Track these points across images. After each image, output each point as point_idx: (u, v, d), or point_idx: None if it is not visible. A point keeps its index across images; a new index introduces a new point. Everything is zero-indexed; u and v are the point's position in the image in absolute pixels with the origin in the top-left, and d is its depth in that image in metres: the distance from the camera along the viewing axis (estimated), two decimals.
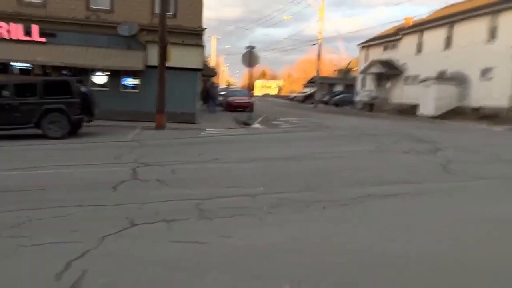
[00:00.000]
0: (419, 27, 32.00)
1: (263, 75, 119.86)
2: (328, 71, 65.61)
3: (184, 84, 18.57)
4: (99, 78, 18.43)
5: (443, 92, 27.17)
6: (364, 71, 37.79)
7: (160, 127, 15.92)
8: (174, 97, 18.30)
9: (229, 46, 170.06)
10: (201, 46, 18.59)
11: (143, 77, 18.30)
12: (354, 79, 58.58)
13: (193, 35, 18.51)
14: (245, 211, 5.27)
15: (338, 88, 55.38)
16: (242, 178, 7.51)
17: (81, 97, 13.05)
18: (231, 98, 27.41)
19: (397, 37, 34.41)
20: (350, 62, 64.80)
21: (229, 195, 6.01)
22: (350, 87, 55.89)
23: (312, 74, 71.57)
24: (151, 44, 17.53)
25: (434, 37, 29.85)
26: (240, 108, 26.48)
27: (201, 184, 6.86)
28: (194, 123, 18.74)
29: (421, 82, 28.69)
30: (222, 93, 32.60)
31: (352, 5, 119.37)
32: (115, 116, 18.12)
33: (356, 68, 60.98)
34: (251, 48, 19.04)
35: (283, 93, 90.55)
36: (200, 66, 18.72)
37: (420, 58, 31.41)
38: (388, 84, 35.34)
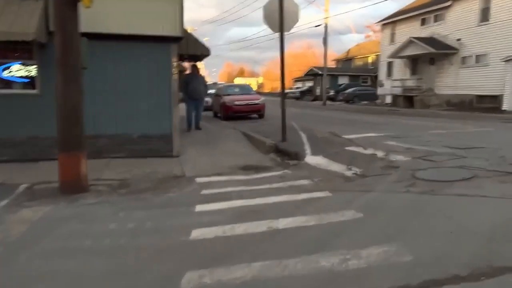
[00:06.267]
0: None
1: (241, 73, 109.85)
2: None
3: (143, 72, 8.44)
4: None
5: None
6: (394, 55, 28.21)
7: (69, 189, 5.50)
8: (122, 101, 8.15)
9: (207, 38, 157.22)
10: None
11: (44, 60, 8.00)
12: (360, 68, 49.28)
13: None
14: None
15: (343, 80, 45.61)
16: None
17: None
18: (228, 99, 16.65)
19: (445, 4, 24.99)
20: (349, 50, 55.60)
21: None
22: (355, 78, 46.59)
23: (299, 69, 62.09)
24: None
25: None
26: (244, 113, 16.33)
27: None
28: (170, 155, 8.61)
29: (507, 61, 19.32)
30: (209, 91, 22.11)
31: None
32: None
33: (359, 56, 51.72)
34: None
35: (265, 90, 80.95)
36: (177, 33, 8.53)
37: (487, 29, 22.08)
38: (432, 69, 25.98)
